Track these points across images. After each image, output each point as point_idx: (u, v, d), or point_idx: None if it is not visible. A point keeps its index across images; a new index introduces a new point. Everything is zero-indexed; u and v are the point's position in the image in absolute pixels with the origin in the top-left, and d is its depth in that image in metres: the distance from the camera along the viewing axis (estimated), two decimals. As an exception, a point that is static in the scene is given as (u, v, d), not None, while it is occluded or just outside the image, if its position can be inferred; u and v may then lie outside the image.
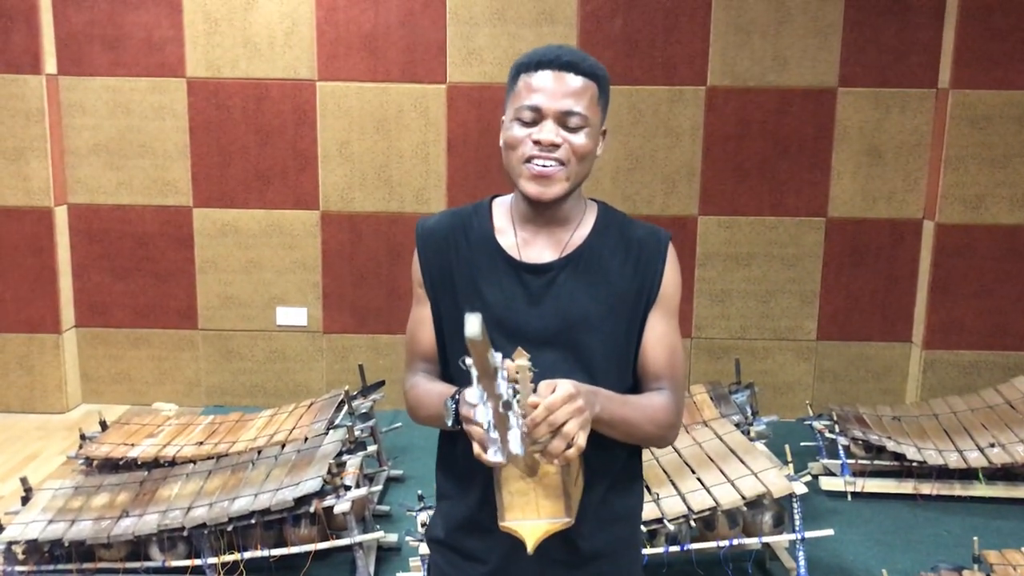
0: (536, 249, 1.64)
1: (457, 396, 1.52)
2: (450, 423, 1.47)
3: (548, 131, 1.56)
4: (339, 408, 4.49)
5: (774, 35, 5.15)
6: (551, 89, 1.56)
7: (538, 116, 1.57)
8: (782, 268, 5.37)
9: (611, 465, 1.67)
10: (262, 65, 5.21)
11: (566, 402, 1.39)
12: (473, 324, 1.17)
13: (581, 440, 1.40)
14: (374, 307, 5.41)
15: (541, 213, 1.64)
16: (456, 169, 5.27)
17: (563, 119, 1.57)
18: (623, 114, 5.21)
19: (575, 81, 1.57)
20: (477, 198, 1.77)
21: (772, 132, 5.23)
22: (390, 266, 5.36)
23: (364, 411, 4.51)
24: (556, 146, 1.57)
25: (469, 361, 1.27)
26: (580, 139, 1.58)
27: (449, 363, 1.68)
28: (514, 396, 1.33)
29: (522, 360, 1.33)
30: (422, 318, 1.71)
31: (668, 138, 5.24)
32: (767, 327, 5.43)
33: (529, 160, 1.58)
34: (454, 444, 1.68)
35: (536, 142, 1.56)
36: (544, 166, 1.57)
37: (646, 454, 4.05)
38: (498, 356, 1.27)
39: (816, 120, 5.22)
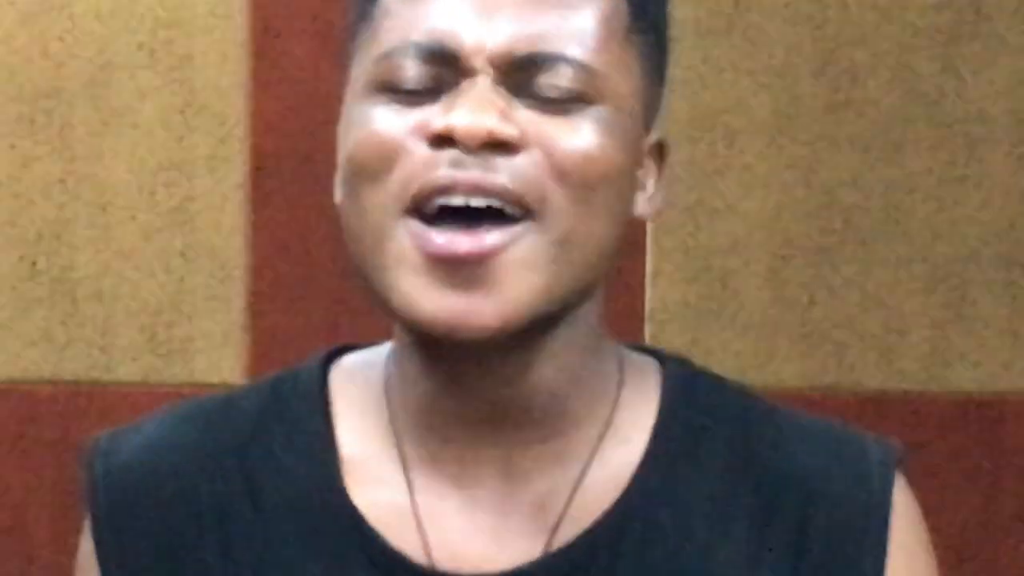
0: (475, 524, 0.65)
1: None
2: None
3: (473, 103, 0.58)
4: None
5: None
6: None
7: (444, 72, 0.59)
8: None
9: None
10: None
11: None
12: None
13: None
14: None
15: (476, 398, 0.64)
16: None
17: (522, 72, 0.59)
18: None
19: None
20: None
21: None
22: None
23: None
24: (501, 145, 0.57)
25: None
26: (579, 135, 0.59)
27: None
28: None
29: None
30: None
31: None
32: None
33: (421, 202, 0.58)
34: None
35: (441, 138, 0.57)
36: (467, 204, 0.58)
37: None
38: None
39: None
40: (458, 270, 0.58)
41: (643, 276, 1.95)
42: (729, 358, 1.95)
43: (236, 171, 1.98)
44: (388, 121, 0.60)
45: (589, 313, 0.66)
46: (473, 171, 0.58)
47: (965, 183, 1.97)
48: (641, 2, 0.65)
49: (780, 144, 1.97)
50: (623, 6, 0.64)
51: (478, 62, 0.59)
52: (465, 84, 0.59)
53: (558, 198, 0.59)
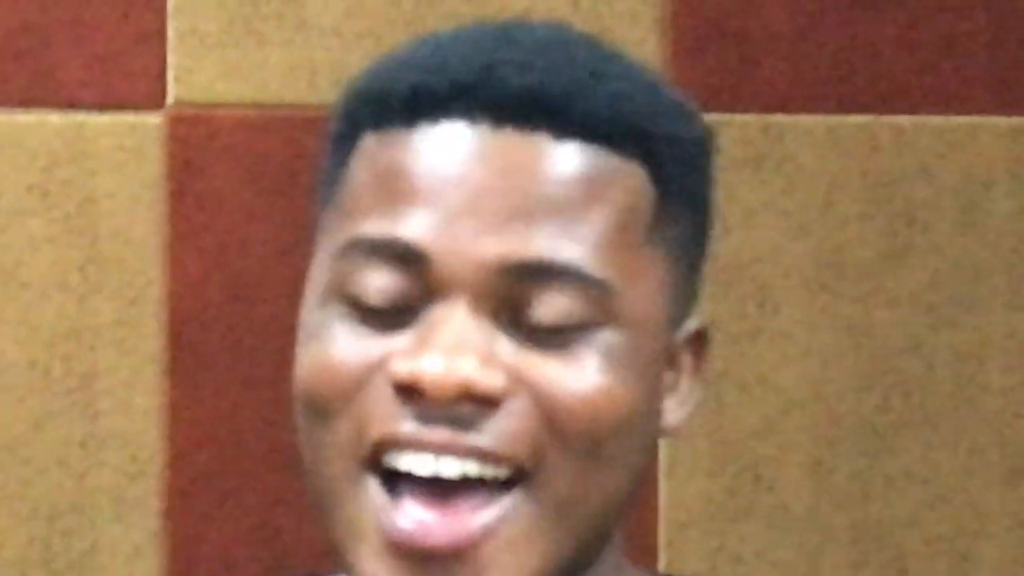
0: None
1: None
2: None
3: (446, 343, 0.49)
4: None
5: None
6: (466, 186, 0.51)
7: (414, 287, 0.52)
8: None
9: None
10: None
11: None
12: None
13: None
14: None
15: None
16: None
17: (510, 295, 0.51)
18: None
19: (556, 160, 0.51)
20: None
21: None
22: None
23: None
24: (476, 399, 0.49)
25: None
26: (581, 375, 0.50)
27: None
28: None
29: None
30: None
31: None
32: None
33: (379, 456, 0.50)
34: None
35: (404, 388, 0.49)
36: (438, 475, 0.50)
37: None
38: None
39: None
40: (430, 560, 0.51)
41: (656, 467, 1.86)
42: (764, 568, 1.82)
43: (149, 341, 1.90)
44: (345, 348, 0.53)
45: (607, 556, 0.60)
46: (445, 430, 0.51)
47: (1052, 349, 1.96)
48: (671, 180, 0.55)
49: (823, 302, 1.87)
50: (646, 192, 0.55)
51: (456, 280, 0.52)
52: (438, 310, 0.51)
53: (556, 455, 0.52)
